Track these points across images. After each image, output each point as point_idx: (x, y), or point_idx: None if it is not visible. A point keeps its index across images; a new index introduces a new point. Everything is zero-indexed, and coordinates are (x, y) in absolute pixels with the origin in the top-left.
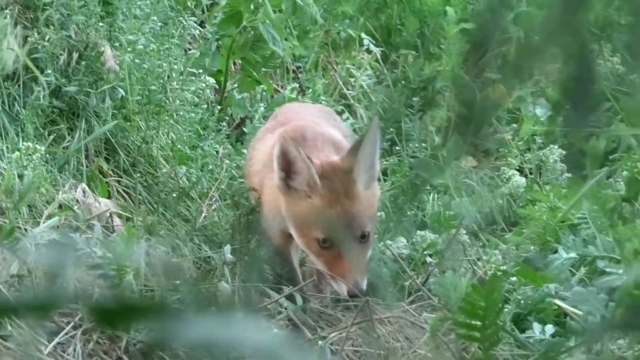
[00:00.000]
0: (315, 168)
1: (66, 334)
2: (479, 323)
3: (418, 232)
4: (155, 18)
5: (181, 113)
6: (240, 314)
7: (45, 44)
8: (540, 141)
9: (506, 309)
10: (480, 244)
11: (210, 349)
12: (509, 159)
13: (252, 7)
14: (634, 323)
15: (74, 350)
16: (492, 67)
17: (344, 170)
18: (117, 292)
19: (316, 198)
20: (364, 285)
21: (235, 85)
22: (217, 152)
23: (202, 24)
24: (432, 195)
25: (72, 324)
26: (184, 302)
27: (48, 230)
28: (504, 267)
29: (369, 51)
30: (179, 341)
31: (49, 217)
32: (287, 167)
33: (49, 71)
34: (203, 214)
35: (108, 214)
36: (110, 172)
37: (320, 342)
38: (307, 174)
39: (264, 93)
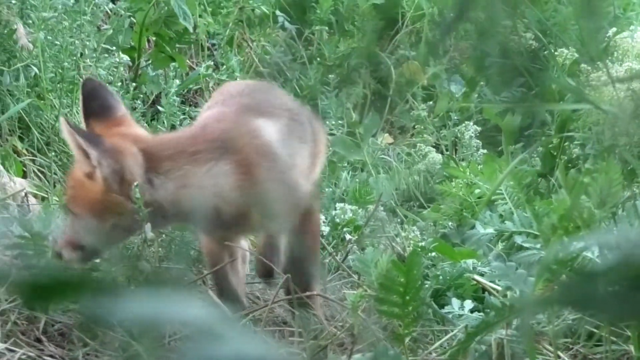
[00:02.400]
0: None
1: None
2: (399, 299)
3: (337, 204)
4: None
5: None
6: (165, 290)
7: None
8: (455, 118)
9: (425, 285)
10: (398, 220)
11: (138, 325)
12: (425, 135)
13: None
14: (555, 298)
15: None
16: (406, 44)
17: None
18: (41, 268)
19: None
20: (65, 254)
21: (149, 62)
22: None
23: (114, 0)
24: (349, 172)
25: None
26: (104, 281)
27: None
28: (422, 243)
29: (283, 28)
30: (105, 318)
31: None
32: None
33: None
34: None
35: (23, 194)
36: (24, 151)
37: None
38: None
39: (178, 70)
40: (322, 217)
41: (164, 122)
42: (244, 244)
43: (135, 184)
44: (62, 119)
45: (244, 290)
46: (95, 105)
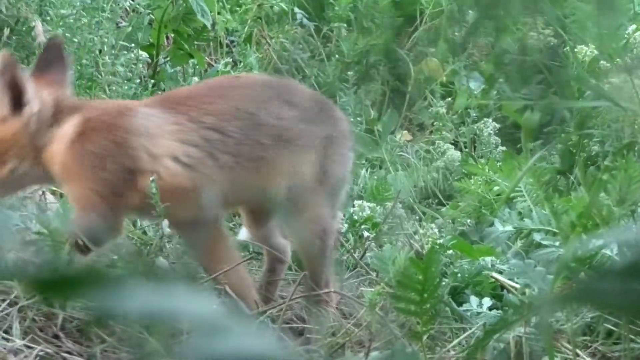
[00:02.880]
0: None
1: (2, 311)
2: (417, 297)
3: (355, 201)
4: None
5: (114, 87)
6: (180, 287)
7: None
8: (474, 115)
9: (443, 283)
10: (417, 217)
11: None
12: (444, 132)
13: None
14: (574, 296)
15: (10, 327)
16: (424, 41)
17: None
18: (57, 263)
19: None
20: None
21: (168, 59)
22: None
23: None
24: (367, 169)
25: (7, 301)
26: (121, 277)
27: None
28: (441, 241)
29: (302, 25)
30: (119, 313)
31: None
32: None
33: None
34: None
35: (40, 191)
36: None
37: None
38: None
39: (197, 67)
40: (340, 215)
41: None
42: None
43: (152, 177)
44: (3, 54)
45: (250, 286)
46: (44, 61)
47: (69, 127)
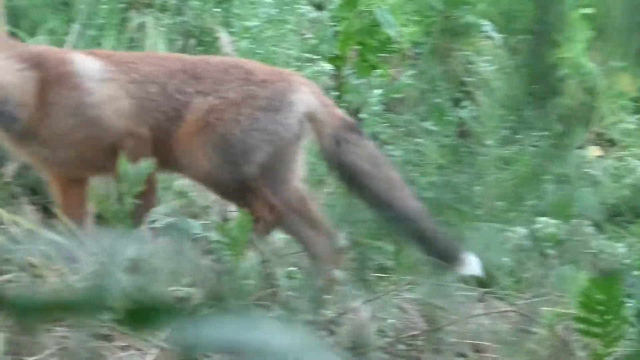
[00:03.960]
0: None
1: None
2: (600, 318)
3: (539, 218)
4: (270, 1)
5: None
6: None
7: (161, 29)
8: None
9: (629, 304)
10: (604, 236)
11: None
12: (634, 148)
13: None
14: None
15: None
16: (616, 55)
17: None
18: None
19: None
20: None
21: (352, 71)
22: None
23: (319, 6)
24: (552, 184)
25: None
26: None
27: (164, 215)
28: (628, 260)
29: (489, 37)
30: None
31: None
32: None
33: None
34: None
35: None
36: None
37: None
38: None
39: (382, 78)
40: (524, 231)
41: (366, 130)
42: None
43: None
44: None
45: None
46: None
47: None
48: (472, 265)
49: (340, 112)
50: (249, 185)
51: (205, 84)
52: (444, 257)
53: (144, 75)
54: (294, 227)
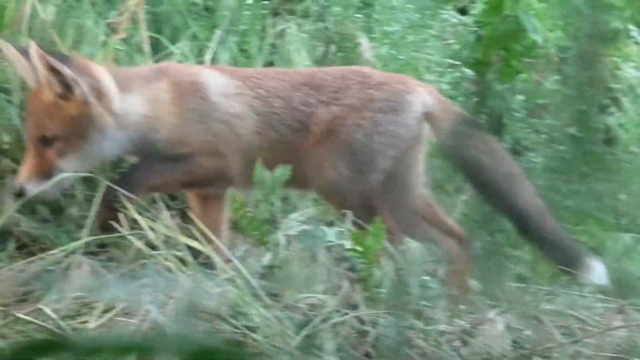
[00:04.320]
0: None
1: (314, 326)
2: None
3: None
4: (411, 6)
5: None
6: None
7: (303, 35)
8: None
9: None
10: None
11: None
12: None
13: None
14: None
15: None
16: None
17: None
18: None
19: None
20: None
21: (496, 76)
22: None
23: (463, 11)
24: None
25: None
26: None
27: (299, 222)
28: None
29: (637, 43)
30: None
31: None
32: None
33: (307, 62)
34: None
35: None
36: None
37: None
38: None
39: (526, 84)
40: None
41: (508, 136)
42: None
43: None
44: (32, 45)
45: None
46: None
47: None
48: (596, 271)
49: (457, 108)
50: (373, 197)
51: (325, 94)
52: (566, 259)
53: (268, 90)
54: (424, 233)
